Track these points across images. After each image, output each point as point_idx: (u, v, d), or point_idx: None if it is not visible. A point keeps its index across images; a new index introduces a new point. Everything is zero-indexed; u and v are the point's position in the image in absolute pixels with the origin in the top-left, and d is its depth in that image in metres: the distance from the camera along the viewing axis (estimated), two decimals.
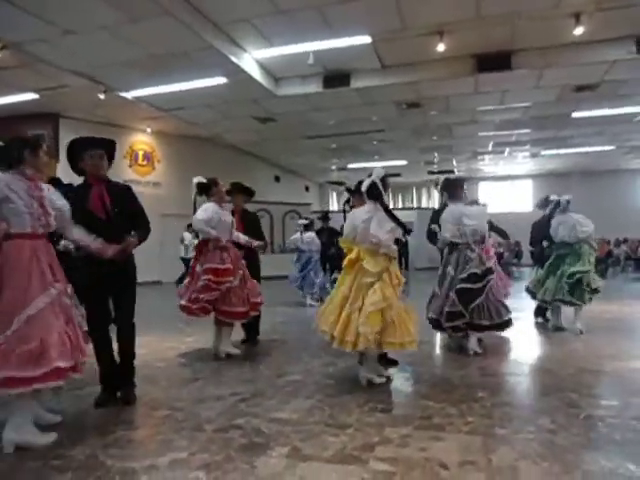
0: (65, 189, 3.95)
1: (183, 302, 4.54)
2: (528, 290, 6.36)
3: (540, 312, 6.44)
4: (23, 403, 2.55)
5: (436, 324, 4.77)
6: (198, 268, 4.57)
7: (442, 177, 5.12)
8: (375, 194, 3.71)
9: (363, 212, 3.74)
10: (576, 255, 5.71)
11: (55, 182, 4.73)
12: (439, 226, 4.87)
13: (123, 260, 3.21)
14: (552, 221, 5.92)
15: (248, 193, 5.49)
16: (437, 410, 3.10)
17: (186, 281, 4.75)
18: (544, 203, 6.47)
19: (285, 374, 4.04)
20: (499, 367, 4.36)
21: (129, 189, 3.44)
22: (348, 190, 4.56)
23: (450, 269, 4.69)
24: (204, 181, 4.78)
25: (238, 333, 5.26)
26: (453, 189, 4.91)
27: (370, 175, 3.77)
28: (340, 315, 3.57)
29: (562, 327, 5.85)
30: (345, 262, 3.73)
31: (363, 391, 3.53)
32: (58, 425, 2.91)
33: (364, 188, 3.75)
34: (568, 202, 5.87)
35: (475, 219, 4.72)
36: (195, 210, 4.68)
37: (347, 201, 5.81)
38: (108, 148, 3.35)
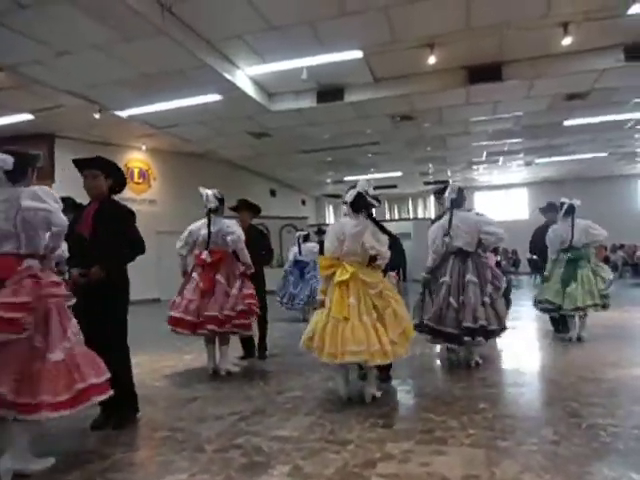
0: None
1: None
2: (540, 303, 6.02)
3: (560, 324, 6.05)
4: (22, 429, 2.49)
5: (431, 331, 4.58)
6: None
7: (451, 184, 4.94)
8: (362, 205, 3.69)
9: (350, 225, 3.65)
10: (587, 259, 5.69)
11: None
12: (449, 235, 4.66)
13: (96, 285, 3.10)
14: (559, 225, 5.83)
15: (255, 210, 5.53)
16: (438, 423, 3.08)
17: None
18: (548, 209, 6.42)
19: (285, 390, 4.01)
20: (500, 378, 4.34)
21: (123, 210, 3.34)
22: (345, 203, 4.57)
23: (471, 276, 4.52)
24: (219, 195, 4.83)
25: (237, 350, 5.24)
26: (462, 197, 4.82)
27: (354, 187, 3.74)
28: (369, 332, 3.41)
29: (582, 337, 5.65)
30: (337, 283, 3.54)
31: (364, 406, 3.50)
32: (55, 448, 2.87)
33: (349, 199, 3.71)
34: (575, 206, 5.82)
35: (496, 226, 4.72)
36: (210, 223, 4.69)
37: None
38: (101, 167, 3.32)
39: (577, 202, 5.82)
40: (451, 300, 4.47)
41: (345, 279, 3.52)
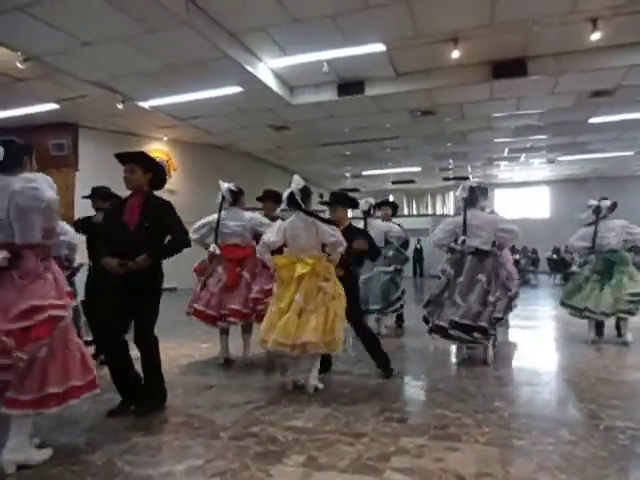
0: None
1: None
2: (565, 306, 5.81)
3: (599, 328, 5.75)
4: (23, 421, 2.48)
5: (444, 333, 4.53)
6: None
7: (462, 183, 4.88)
8: (297, 202, 3.79)
9: (298, 224, 3.82)
10: (624, 263, 5.46)
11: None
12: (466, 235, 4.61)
13: (136, 275, 3.20)
14: (599, 227, 5.57)
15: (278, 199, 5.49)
16: (453, 420, 3.08)
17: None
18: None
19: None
20: (516, 377, 4.31)
21: (167, 203, 3.44)
22: (323, 203, 4.68)
23: (482, 277, 4.49)
24: (234, 189, 4.87)
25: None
26: (474, 195, 4.74)
27: (289, 185, 3.85)
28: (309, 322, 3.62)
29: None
30: (297, 277, 3.72)
31: (378, 400, 3.52)
32: (76, 430, 2.95)
33: (284, 196, 3.85)
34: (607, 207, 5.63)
35: (511, 224, 4.71)
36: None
37: (367, 211, 5.86)
38: (139, 160, 3.40)
39: (607, 203, 5.61)
40: (457, 299, 4.45)
41: (305, 272, 3.68)
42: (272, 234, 3.93)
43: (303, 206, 3.82)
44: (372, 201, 6.11)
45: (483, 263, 4.54)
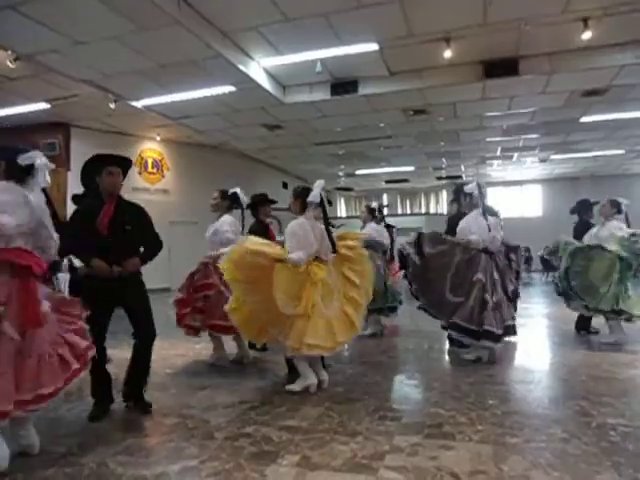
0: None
1: None
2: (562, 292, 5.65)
3: (585, 323, 5.87)
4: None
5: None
6: None
7: (472, 181, 4.85)
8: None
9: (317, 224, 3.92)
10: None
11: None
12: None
13: (124, 276, 3.19)
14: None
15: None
16: (447, 418, 3.09)
17: None
18: (582, 206, 6.10)
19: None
20: (509, 375, 4.33)
21: (141, 209, 3.43)
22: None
23: (496, 274, 4.56)
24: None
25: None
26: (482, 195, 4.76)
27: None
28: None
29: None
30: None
31: (372, 398, 3.52)
32: (69, 432, 2.93)
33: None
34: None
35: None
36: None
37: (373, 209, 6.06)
38: (125, 166, 3.37)
39: (625, 201, 5.60)
40: (487, 297, 4.42)
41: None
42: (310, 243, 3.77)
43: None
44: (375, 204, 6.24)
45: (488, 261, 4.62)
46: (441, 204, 22.87)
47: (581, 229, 5.87)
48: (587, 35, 7.11)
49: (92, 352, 2.76)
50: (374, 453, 2.57)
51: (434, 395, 3.63)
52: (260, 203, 5.15)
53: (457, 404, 3.36)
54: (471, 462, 2.44)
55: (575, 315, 5.89)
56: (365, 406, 3.35)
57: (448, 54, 7.73)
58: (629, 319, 5.16)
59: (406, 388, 3.97)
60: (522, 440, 2.72)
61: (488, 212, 4.67)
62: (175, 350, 5.42)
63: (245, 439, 2.80)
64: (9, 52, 7.44)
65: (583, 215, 6.06)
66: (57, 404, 3.44)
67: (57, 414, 3.25)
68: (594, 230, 5.63)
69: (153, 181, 13.74)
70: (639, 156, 16.43)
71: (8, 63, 7.59)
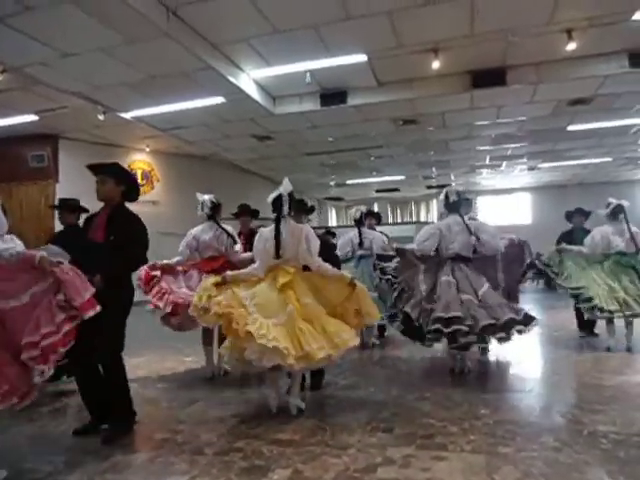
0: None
1: None
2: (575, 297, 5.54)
3: (588, 325, 5.82)
4: None
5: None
6: None
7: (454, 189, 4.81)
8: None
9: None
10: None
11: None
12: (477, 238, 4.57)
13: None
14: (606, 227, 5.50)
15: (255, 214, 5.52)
16: (439, 429, 3.07)
17: None
18: (576, 213, 6.38)
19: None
20: (500, 384, 4.34)
21: (132, 216, 3.33)
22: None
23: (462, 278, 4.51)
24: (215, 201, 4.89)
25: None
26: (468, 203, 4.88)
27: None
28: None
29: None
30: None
31: (364, 410, 3.50)
32: (56, 449, 2.88)
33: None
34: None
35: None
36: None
37: (359, 219, 6.06)
38: (112, 172, 3.33)
39: (625, 203, 5.46)
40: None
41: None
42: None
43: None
44: (363, 209, 6.23)
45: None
46: (431, 213, 22.97)
47: (577, 235, 6.10)
48: (572, 46, 7.23)
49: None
50: (366, 466, 2.55)
51: (426, 405, 3.61)
52: (240, 214, 5.34)
53: (449, 414, 3.35)
54: (463, 473, 2.43)
55: (567, 321, 5.91)
56: (357, 418, 3.32)
57: (436, 65, 7.80)
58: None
59: (398, 399, 3.94)
60: (514, 449, 2.71)
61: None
62: (165, 363, 5.36)
63: (236, 454, 2.76)
64: None
65: (576, 221, 6.42)
66: (44, 422, 3.39)
67: (43, 431, 3.20)
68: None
69: (143, 192, 13.62)
70: (626, 163, 16.65)
71: None
